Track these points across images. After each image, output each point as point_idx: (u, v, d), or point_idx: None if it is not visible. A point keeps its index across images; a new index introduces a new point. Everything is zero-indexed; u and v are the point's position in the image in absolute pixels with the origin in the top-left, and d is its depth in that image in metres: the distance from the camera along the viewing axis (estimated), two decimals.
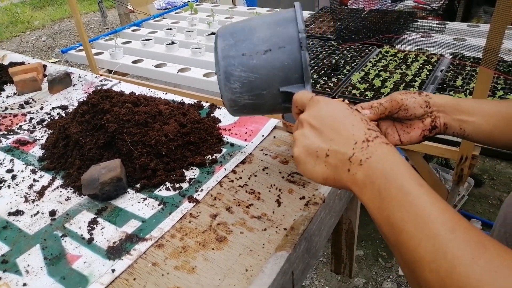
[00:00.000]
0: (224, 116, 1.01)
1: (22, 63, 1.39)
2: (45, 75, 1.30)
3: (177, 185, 0.79)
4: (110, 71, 2.04)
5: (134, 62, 2.03)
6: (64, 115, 1.08)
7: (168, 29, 2.41)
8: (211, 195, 0.76)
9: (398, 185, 0.40)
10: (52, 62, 3.31)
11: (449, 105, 0.62)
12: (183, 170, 0.82)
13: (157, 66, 1.96)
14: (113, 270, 0.63)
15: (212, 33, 2.27)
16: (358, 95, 1.54)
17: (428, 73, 1.66)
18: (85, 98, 0.93)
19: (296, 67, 0.61)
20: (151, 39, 2.21)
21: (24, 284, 0.62)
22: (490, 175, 2.28)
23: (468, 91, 1.52)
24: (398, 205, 0.39)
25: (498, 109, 0.61)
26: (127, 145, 0.81)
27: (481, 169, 2.32)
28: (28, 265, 0.66)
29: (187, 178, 0.81)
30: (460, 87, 1.55)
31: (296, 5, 0.64)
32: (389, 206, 0.40)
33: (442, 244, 0.35)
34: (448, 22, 2.21)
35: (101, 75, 1.57)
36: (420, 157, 1.56)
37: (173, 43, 2.14)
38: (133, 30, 2.54)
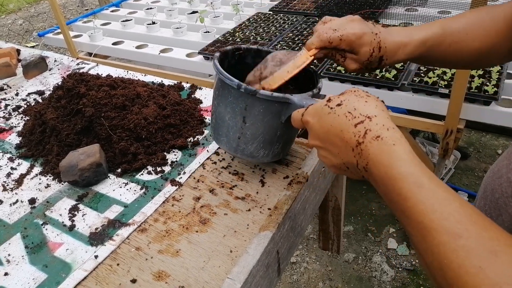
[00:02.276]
0: (205, 97, 0.99)
1: None
2: (19, 60, 1.26)
3: (159, 169, 0.77)
4: (90, 54, 1.99)
5: (114, 44, 1.98)
6: (40, 100, 1.04)
7: (148, 8, 2.35)
8: (194, 178, 0.75)
9: (397, 191, 0.39)
10: (30, 47, 3.21)
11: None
12: (165, 153, 0.81)
13: (138, 47, 1.92)
14: (96, 256, 0.62)
15: (194, 12, 2.21)
16: (343, 71, 1.53)
17: None
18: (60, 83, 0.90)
19: (269, 103, 0.62)
20: (131, 20, 2.14)
21: (6, 274, 0.61)
22: (476, 147, 2.31)
23: None
24: (400, 211, 0.39)
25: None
26: (105, 129, 0.78)
27: (467, 142, 2.35)
28: (9, 255, 0.64)
29: (169, 161, 0.79)
30: None
31: (215, 67, 0.65)
32: (395, 210, 0.40)
33: (446, 253, 0.33)
34: None
35: (78, 58, 1.52)
36: (406, 132, 1.57)
37: (153, 23, 2.08)
38: (112, 11, 2.46)
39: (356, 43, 0.61)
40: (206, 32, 1.95)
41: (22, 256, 0.64)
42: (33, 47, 3.62)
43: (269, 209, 0.67)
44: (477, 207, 0.70)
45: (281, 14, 2.14)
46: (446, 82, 1.41)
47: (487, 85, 1.36)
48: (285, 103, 0.61)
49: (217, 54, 0.68)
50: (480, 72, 1.44)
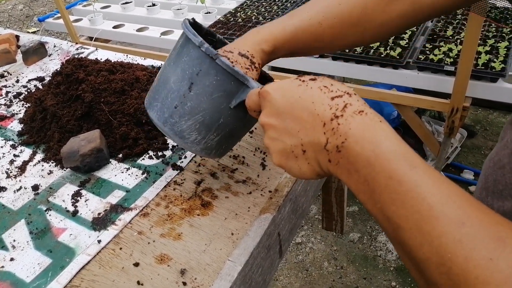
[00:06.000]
0: None
1: None
2: (18, 46, 1.25)
3: (160, 153, 0.77)
4: (91, 38, 1.97)
5: (114, 27, 1.96)
6: (41, 87, 1.04)
7: None
8: (195, 162, 0.75)
9: (386, 173, 0.33)
10: (31, 32, 3.18)
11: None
12: (165, 137, 0.80)
13: (138, 30, 1.89)
14: (99, 241, 0.63)
15: None
16: (347, 51, 1.50)
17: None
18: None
19: (226, 77, 0.53)
20: (131, 2, 2.11)
21: (12, 259, 0.62)
22: (483, 125, 2.28)
23: (459, 41, 1.49)
24: (390, 198, 0.32)
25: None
26: (105, 115, 0.78)
27: (474, 119, 2.32)
28: (14, 240, 0.65)
29: (170, 146, 0.79)
30: (450, 37, 1.51)
31: (183, 24, 0.58)
32: (381, 199, 0.33)
33: (450, 244, 0.28)
34: None
35: (77, 43, 1.51)
36: (411, 111, 1.55)
37: (154, 5, 2.05)
38: None
39: None
40: (207, 13, 1.92)
41: (27, 242, 0.65)
42: (34, 32, 3.59)
43: (270, 191, 0.67)
44: (478, 198, 0.68)
45: None
46: (452, 60, 1.38)
47: (494, 62, 1.33)
48: (243, 84, 0.53)
49: (191, 19, 0.61)
50: (487, 48, 1.41)
